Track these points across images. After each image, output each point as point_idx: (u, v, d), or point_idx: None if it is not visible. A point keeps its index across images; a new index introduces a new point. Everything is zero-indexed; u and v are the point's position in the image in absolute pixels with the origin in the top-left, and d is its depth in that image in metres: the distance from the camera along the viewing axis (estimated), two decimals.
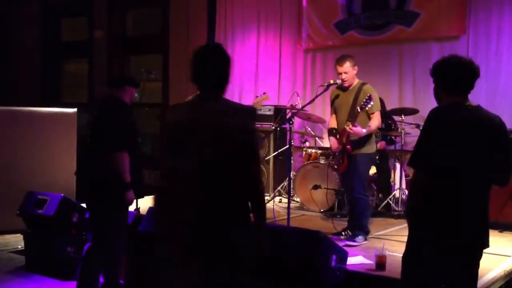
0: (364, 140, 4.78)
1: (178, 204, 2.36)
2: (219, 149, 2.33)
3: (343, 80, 4.80)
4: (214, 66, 2.43)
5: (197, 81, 2.45)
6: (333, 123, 5.02)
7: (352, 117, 4.70)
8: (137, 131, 3.94)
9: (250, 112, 2.49)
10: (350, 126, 4.61)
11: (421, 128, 6.14)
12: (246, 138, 2.38)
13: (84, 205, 4.90)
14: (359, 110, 4.67)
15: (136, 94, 4.11)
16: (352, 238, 4.75)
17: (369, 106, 4.66)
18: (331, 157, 5.05)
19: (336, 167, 5.19)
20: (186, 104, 2.52)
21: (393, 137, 6.47)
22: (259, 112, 7.41)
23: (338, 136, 4.87)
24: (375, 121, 4.77)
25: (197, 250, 2.32)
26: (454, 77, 2.67)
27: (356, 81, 4.88)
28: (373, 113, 4.76)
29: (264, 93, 6.34)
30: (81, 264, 3.85)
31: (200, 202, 2.32)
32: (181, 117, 2.43)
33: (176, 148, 2.39)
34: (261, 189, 2.49)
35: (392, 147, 6.54)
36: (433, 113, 2.63)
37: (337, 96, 4.97)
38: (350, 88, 4.86)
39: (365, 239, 4.79)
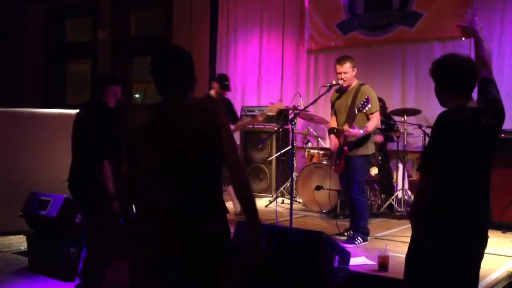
0: (361, 141, 4.78)
1: (143, 206, 2.27)
2: (179, 144, 2.21)
3: (342, 80, 4.81)
4: (172, 69, 2.32)
5: (158, 86, 2.35)
6: (333, 124, 5.04)
7: (350, 119, 4.70)
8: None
9: (209, 99, 2.40)
10: (347, 127, 4.62)
11: (423, 129, 6.19)
12: (212, 129, 2.24)
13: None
14: (356, 112, 4.68)
15: (119, 92, 3.92)
16: (351, 240, 4.75)
17: (367, 108, 4.67)
18: (332, 156, 5.05)
19: (333, 168, 5.19)
20: (147, 107, 2.38)
21: (395, 137, 6.47)
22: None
23: (337, 136, 4.88)
24: (373, 122, 4.78)
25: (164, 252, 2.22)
26: (455, 78, 2.66)
27: (354, 82, 4.89)
28: (372, 114, 4.77)
29: (281, 101, 6.30)
30: (82, 266, 3.85)
31: (167, 203, 2.21)
32: (140, 119, 2.30)
33: (135, 149, 2.27)
34: (242, 179, 2.32)
35: (394, 148, 6.53)
36: (441, 118, 2.59)
37: (336, 98, 4.98)
38: (349, 89, 4.87)
39: (365, 240, 4.78)
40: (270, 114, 7.05)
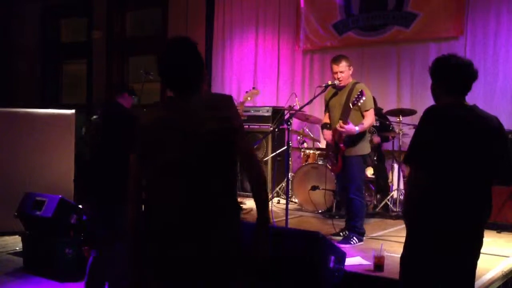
0: (357, 140, 4.78)
1: (156, 204, 2.26)
2: (197, 144, 2.19)
3: (338, 79, 4.82)
4: (182, 64, 2.27)
5: (167, 83, 2.30)
6: (326, 120, 5.04)
7: (345, 115, 4.70)
8: None
9: (226, 99, 2.34)
10: (341, 123, 4.62)
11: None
12: (227, 126, 2.23)
13: (81, 206, 4.92)
14: (351, 106, 4.67)
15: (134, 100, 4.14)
16: (346, 240, 4.75)
17: (361, 101, 4.65)
18: (330, 156, 5.04)
19: (330, 168, 5.19)
20: (160, 105, 2.42)
21: (390, 137, 6.47)
22: (258, 114, 7.43)
23: (332, 133, 4.88)
24: (369, 119, 4.78)
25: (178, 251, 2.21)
26: (454, 78, 2.67)
27: (349, 81, 4.89)
28: (366, 111, 4.77)
29: (253, 88, 6.28)
30: (89, 269, 3.81)
31: (182, 202, 2.20)
32: (155, 117, 2.30)
33: (150, 148, 2.26)
34: (261, 180, 2.32)
35: (389, 148, 6.54)
36: (428, 111, 2.63)
37: (331, 96, 4.98)
38: (344, 87, 4.87)
39: (360, 241, 4.78)
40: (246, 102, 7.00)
